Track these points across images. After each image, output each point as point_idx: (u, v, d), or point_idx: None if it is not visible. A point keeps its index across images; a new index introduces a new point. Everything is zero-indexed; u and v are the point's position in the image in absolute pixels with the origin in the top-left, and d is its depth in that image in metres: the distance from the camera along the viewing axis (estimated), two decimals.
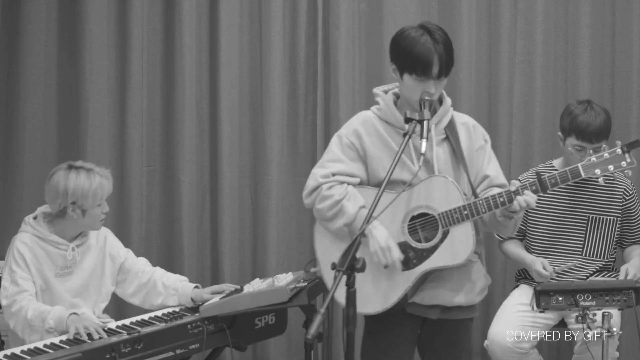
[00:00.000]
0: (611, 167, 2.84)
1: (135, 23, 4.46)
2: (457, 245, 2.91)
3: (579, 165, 2.88)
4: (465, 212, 2.89)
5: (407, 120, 2.84)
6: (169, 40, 4.51)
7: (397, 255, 2.93)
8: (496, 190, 2.94)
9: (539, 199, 3.76)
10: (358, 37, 4.52)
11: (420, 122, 2.82)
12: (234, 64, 4.50)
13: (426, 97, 2.88)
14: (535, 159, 4.36)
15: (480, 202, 2.88)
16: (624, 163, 2.84)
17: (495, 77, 4.50)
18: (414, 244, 2.96)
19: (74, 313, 3.22)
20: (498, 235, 3.98)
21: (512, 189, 2.87)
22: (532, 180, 2.89)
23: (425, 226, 2.97)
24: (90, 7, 4.44)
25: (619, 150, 2.84)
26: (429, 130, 2.82)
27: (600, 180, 2.91)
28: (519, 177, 3.93)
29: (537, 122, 4.44)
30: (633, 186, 3.85)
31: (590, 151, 3.62)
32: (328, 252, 3.08)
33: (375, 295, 3.00)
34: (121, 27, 4.49)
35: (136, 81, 4.48)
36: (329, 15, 4.47)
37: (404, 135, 2.80)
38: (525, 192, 2.86)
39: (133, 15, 4.46)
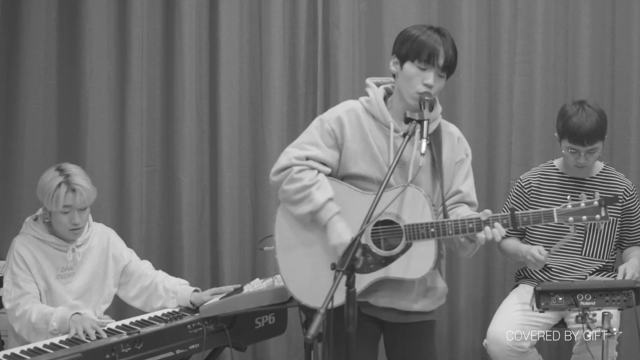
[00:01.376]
0: (584, 218, 2.85)
1: (135, 23, 4.46)
2: (416, 261, 2.87)
3: (554, 210, 2.86)
4: (432, 230, 2.84)
5: (407, 120, 2.83)
6: (168, 40, 4.51)
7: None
8: (466, 212, 2.92)
9: (539, 199, 3.81)
10: (358, 37, 4.52)
11: (420, 122, 2.81)
12: (234, 64, 4.50)
13: (426, 98, 2.86)
14: (535, 159, 4.36)
15: (449, 223, 2.84)
16: (597, 216, 2.84)
17: (495, 77, 4.49)
18: (374, 249, 2.92)
19: (77, 313, 3.23)
20: None
21: (483, 218, 2.83)
22: (504, 215, 2.85)
23: (390, 234, 2.92)
24: (90, 7, 4.45)
25: (595, 203, 2.85)
26: (420, 133, 2.79)
27: (572, 229, 2.93)
28: (520, 177, 3.93)
29: (537, 122, 4.43)
30: (633, 187, 3.84)
31: (582, 153, 3.62)
32: (285, 234, 3.05)
33: (322, 290, 2.78)
34: (121, 27, 4.49)
35: (136, 81, 4.48)
36: (329, 15, 4.47)
37: (404, 135, 2.80)
38: (496, 224, 2.82)
39: (133, 15, 4.46)
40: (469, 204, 3.03)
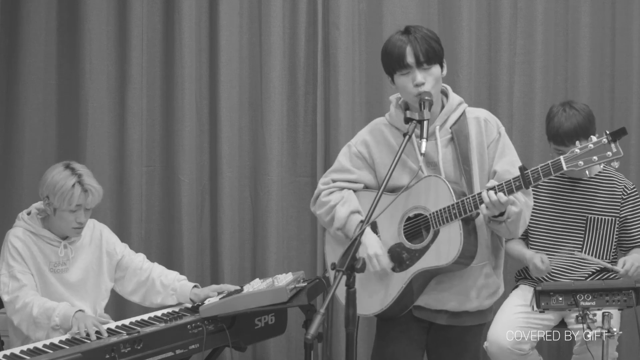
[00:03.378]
0: (595, 158, 2.68)
1: (135, 23, 4.46)
2: (445, 245, 2.89)
3: (561, 157, 2.75)
4: (454, 212, 2.86)
5: (407, 120, 2.87)
6: (168, 40, 4.51)
7: (385, 263, 2.96)
8: (491, 183, 2.87)
9: (538, 199, 3.80)
10: (358, 37, 4.51)
11: (420, 122, 2.84)
12: (234, 64, 4.50)
13: (426, 97, 2.87)
14: (535, 159, 4.36)
15: (468, 200, 2.84)
16: (609, 153, 2.67)
17: (495, 77, 4.49)
18: (408, 244, 2.97)
19: (80, 310, 3.23)
20: None
21: (489, 185, 2.82)
22: (515, 176, 2.80)
23: (421, 227, 2.97)
24: (89, 7, 4.45)
25: (604, 140, 2.68)
26: (420, 133, 2.83)
27: (587, 172, 2.76)
28: None
29: (537, 122, 4.43)
30: (632, 187, 3.83)
31: (577, 143, 3.60)
32: (330, 255, 3.16)
33: (372, 297, 3.01)
34: (121, 27, 4.50)
35: (136, 81, 4.48)
36: (329, 15, 4.47)
37: (404, 135, 2.82)
38: (499, 194, 2.78)
39: (133, 15, 4.45)
40: None
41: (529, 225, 3.87)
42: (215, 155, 4.53)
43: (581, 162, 2.71)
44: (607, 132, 2.68)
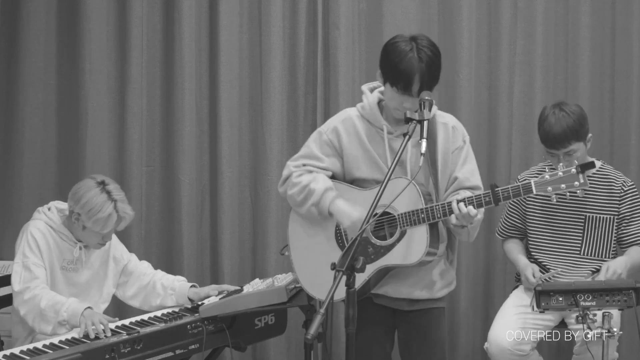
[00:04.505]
0: (563, 186, 2.85)
1: (134, 23, 4.46)
2: (411, 246, 2.99)
3: (532, 181, 2.89)
4: (422, 216, 2.95)
5: (407, 120, 2.87)
6: (168, 40, 4.51)
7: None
8: (462, 195, 2.97)
9: (536, 198, 3.80)
10: (358, 37, 4.51)
11: (420, 122, 2.85)
12: (234, 64, 4.50)
13: (426, 97, 2.90)
14: (535, 158, 4.36)
15: (437, 207, 2.94)
16: (576, 183, 2.84)
17: (495, 77, 4.49)
18: (374, 240, 3.05)
19: (89, 307, 3.23)
20: (499, 234, 3.99)
21: (459, 197, 2.92)
22: (486, 192, 2.92)
23: (384, 225, 3.04)
24: (89, 7, 4.45)
25: (573, 170, 2.85)
26: (420, 133, 2.85)
27: (553, 198, 2.91)
28: (518, 177, 3.93)
29: (537, 122, 4.42)
30: (630, 184, 3.82)
31: (560, 155, 3.60)
32: (298, 235, 3.22)
33: (325, 283, 2.87)
34: (121, 27, 4.50)
35: (136, 81, 4.48)
36: (329, 15, 4.47)
37: (404, 135, 2.83)
38: (469, 207, 2.88)
39: (133, 15, 4.45)
40: (471, 188, 3.07)
41: (528, 225, 3.87)
42: (215, 155, 4.53)
43: (550, 188, 2.88)
44: (577, 164, 2.88)
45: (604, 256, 3.80)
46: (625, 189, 3.79)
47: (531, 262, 3.83)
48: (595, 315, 3.18)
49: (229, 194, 4.51)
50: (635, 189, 3.83)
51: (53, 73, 4.54)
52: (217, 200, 4.53)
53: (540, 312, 3.28)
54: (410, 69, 2.90)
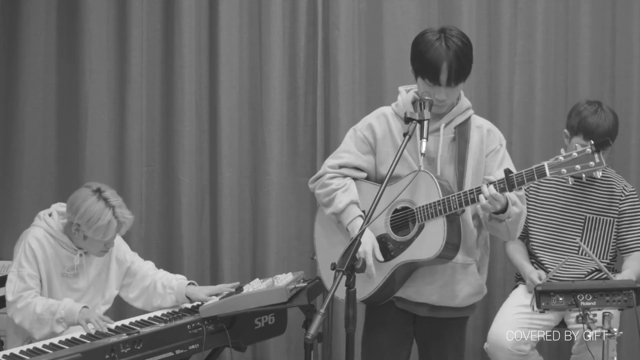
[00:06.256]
0: (578, 167, 2.74)
1: (134, 23, 4.46)
2: (428, 239, 2.95)
3: (545, 163, 2.80)
4: (439, 208, 2.91)
5: (407, 120, 2.88)
6: (168, 40, 4.51)
7: (370, 261, 2.98)
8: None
9: (537, 198, 3.80)
10: (358, 37, 4.51)
11: (420, 122, 2.86)
12: (234, 64, 4.50)
13: (426, 97, 2.91)
14: (535, 159, 4.36)
15: (454, 197, 2.90)
16: (592, 163, 2.73)
17: (495, 77, 4.49)
18: (393, 236, 3.03)
19: (86, 307, 3.24)
20: None
21: (489, 178, 2.88)
22: (500, 178, 2.86)
23: (408, 219, 3.02)
24: (89, 7, 4.45)
25: (588, 150, 2.74)
26: (419, 133, 2.86)
27: (569, 180, 2.81)
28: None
29: (537, 122, 4.43)
30: (631, 189, 3.83)
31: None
32: (320, 237, 3.24)
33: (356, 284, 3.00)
34: (121, 26, 4.50)
35: (135, 81, 4.48)
36: (329, 15, 4.47)
37: (404, 135, 2.84)
38: (490, 187, 2.84)
39: (132, 15, 4.45)
40: None
41: (529, 225, 3.88)
42: (215, 155, 4.53)
43: (564, 170, 2.77)
44: (592, 142, 2.75)
45: (602, 257, 3.80)
46: (626, 193, 3.79)
47: (532, 262, 3.83)
48: (595, 315, 3.18)
49: (229, 194, 4.51)
50: (636, 195, 3.83)
51: (53, 73, 4.54)
52: (217, 200, 4.53)
53: (541, 312, 3.28)
54: (438, 58, 2.89)
